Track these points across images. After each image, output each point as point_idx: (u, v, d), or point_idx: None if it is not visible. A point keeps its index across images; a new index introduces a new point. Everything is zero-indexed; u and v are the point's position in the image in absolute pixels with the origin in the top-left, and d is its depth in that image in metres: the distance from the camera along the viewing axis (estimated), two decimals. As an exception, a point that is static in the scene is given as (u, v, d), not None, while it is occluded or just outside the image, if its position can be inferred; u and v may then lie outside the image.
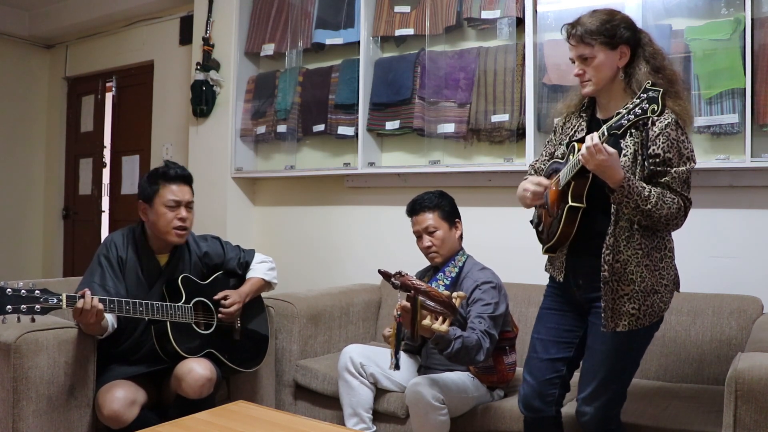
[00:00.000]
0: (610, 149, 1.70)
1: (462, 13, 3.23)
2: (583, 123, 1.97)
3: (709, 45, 2.60)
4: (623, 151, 1.80)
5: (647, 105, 1.62)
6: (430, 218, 2.45)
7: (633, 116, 1.64)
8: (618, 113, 1.69)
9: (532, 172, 2.13)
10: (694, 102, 2.64)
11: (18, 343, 1.97)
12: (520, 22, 3.06)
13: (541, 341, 2.02)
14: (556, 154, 2.01)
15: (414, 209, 2.49)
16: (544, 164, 2.07)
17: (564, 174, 1.85)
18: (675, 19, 2.74)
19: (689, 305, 2.52)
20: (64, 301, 1.94)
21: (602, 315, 1.83)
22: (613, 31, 1.82)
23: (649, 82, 1.67)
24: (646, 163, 1.77)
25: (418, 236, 2.49)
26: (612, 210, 1.80)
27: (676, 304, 2.53)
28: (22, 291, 1.88)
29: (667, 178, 1.77)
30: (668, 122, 1.77)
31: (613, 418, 1.91)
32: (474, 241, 2.76)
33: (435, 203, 2.46)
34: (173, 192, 2.27)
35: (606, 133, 1.70)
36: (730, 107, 2.58)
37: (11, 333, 1.98)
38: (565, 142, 1.97)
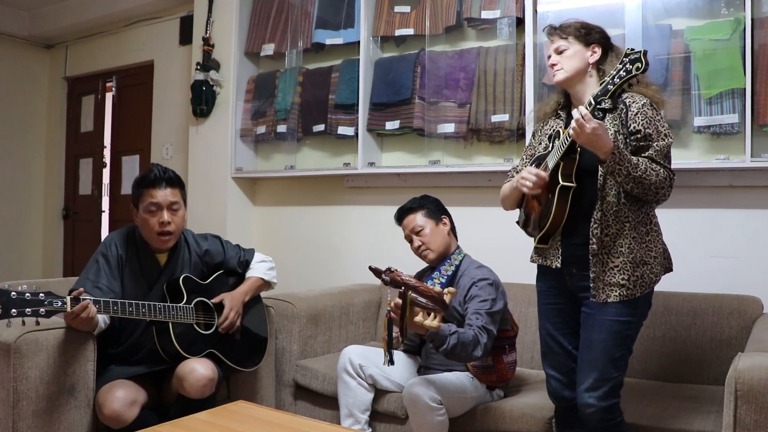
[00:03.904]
0: (597, 120, 1.76)
1: (462, 13, 3.23)
2: (560, 122, 2.05)
3: (709, 45, 2.60)
4: None
5: (630, 65, 1.72)
6: (414, 219, 2.50)
7: (618, 79, 1.73)
8: (602, 82, 1.78)
9: (515, 174, 2.15)
10: (693, 102, 2.64)
11: (18, 343, 1.97)
12: (520, 22, 3.06)
13: (552, 336, 2.06)
14: (536, 154, 2.07)
15: (400, 216, 2.56)
16: (525, 166, 2.11)
17: (552, 158, 1.92)
18: (675, 19, 2.74)
19: (689, 305, 2.52)
20: (69, 304, 1.94)
21: (591, 286, 1.89)
22: (588, 31, 1.99)
23: (629, 48, 1.75)
24: (628, 140, 1.87)
25: (409, 240, 2.52)
26: (598, 185, 1.87)
27: (676, 304, 2.54)
28: (27, 294, 1.87)
29: (650, 152, 1.85)
30: (644, 102, 1.88)
31: (615, 406, 1.92)
32: (474, 241, 2.77)
33: (418, 204, 2.52)
34: (152, 195, 2.26)
35: (593, 102, 1.76)
36: (730, 107, 2.58)
37: (11, 333, 1.98)
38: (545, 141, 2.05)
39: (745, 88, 2.50)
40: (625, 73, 1.72)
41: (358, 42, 3.47)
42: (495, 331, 2.26)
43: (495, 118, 3.10)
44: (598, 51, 1.97)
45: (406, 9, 3.41)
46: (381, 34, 3.45)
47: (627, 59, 1.73)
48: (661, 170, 1.84)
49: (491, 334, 2.23)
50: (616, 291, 1.87)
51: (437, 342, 2.08)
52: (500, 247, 3.03)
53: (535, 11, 2.99)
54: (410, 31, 3.38)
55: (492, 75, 3.12)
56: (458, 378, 2.34)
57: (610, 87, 1.74)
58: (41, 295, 1.90)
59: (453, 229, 2.55)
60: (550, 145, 1.98)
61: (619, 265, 1.87)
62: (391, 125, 3.39)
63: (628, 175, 1.79)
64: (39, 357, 2.01)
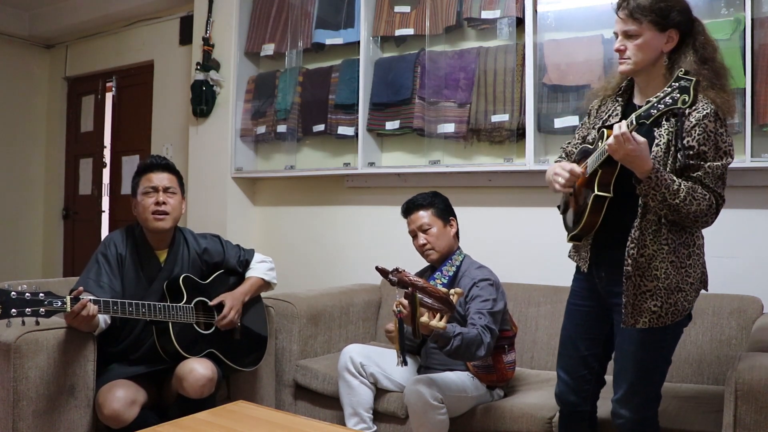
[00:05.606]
0: (640, 138, 1.62)
1: (462, 13, 3.23)
2: (618, 107, 1.88)
3: (709, 45, 2.60)
4: (656, 141, 1.72)
5: (678, 95, 1.52)
6: (424, 216, 2.47)
7: (663, 106, 1.55)
8: (648, 101, 1.60)
9: (563, 155, 2.06)
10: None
11: (18, 343, 1.97)
12: (520, 22, 3.06)
13: (570, 338, 1.99)
14: (588, 137, 1.94)
15: (408, 209, 2.52)
16: (575, 147, 1.99)
17: (591, 161, 1.78)
18: (675, 19, 2.74)
19: (689, 305, 2.52)
20: (69, 304, 1.95)
21: (623, 311, 1.76)
22: (666, 12, 1.72)
23: (681, 70, 1.56)
24: (679, 154, 1.66)
25: (414, 235, 2.51)
26: (639, 202, 1.72)
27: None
28: (27, 294, 1.88)
29: (699, 173, 1.69)
30: (706, 113, 1.68)
31: (649, 419, 1.84)
32: (474, 241, 2.76)
33: (428, 201, 2.49)
34: (149, 179, 2.33)
35: (634, 122, 1.61)
36: (730, 107, 2.57)
37: (11, 333, 1.98)
38: (598, 126, 1.89)
39: (745, 88, 2.50)
40: (670, 101, 1.53)
41: (358, 42, 3.47)
42: (497, 331, 2.26)
43: (495, 118, 3.10)
44: (675, 38, 1.72)
45: (406, 9, 3.40)
46: (381, 34, 3.45)
47: (677, 84, 1.53)
48: (707, 196, 1.67)
49: (494, 334, 2.23)
50: (645, 317, 1.74)
51: (441, 342, 2.08)
52: (500, 248, 3.04)
53: (535, 11, 2.99)
54: (410, 31, 3.38)
55: (492, 75, 3.12)
56: (459, 377, 2.34)
57: (653, 112, 1.56)
58: (41, 294, 1.90)
59: (457, 231, 2.55)
60: (597, 139, 1.80)
61: (652, 290, 1.73)
62: (391, 125, 3.39)
63: (664, 201, 1.64)
64: (39, 357, 2.01)
